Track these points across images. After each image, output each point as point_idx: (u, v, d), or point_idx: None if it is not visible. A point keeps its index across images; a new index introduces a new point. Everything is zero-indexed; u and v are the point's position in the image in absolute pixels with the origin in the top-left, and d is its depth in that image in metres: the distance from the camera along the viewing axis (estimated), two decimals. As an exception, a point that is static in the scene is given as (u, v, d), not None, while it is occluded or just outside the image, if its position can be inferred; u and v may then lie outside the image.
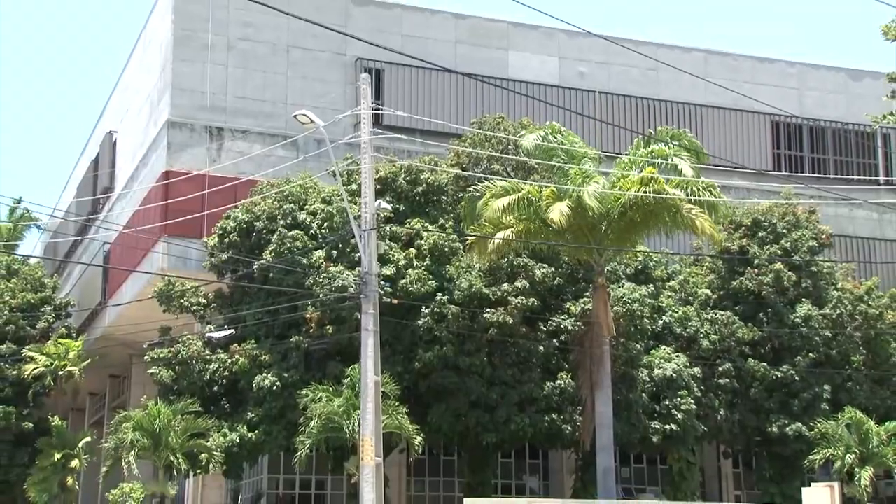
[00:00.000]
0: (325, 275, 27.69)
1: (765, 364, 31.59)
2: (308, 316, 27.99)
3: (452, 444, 31.69)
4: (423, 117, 31.17)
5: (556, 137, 26.35)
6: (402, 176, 29.93)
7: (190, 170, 32.28)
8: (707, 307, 32.45)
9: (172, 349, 29.20)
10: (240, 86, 34.13)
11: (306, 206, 29.67)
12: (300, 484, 33.39)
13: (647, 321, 30.48)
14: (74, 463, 34.52)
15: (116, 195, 39.12)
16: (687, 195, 25.33)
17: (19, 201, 45.16)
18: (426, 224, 29.45)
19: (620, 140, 34.10)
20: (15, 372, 35.22)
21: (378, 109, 28.78)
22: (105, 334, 38.04)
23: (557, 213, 24.71)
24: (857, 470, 29.89)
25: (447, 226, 29.58)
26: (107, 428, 35.77)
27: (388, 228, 28.47)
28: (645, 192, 24.69)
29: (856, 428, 30.34)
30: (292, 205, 29.63)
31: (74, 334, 38.18)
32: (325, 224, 29.09)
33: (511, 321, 28.16)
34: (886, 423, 30.88)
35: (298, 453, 26.72)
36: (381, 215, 25.29)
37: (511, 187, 26.43)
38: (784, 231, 33.01)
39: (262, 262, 28.41)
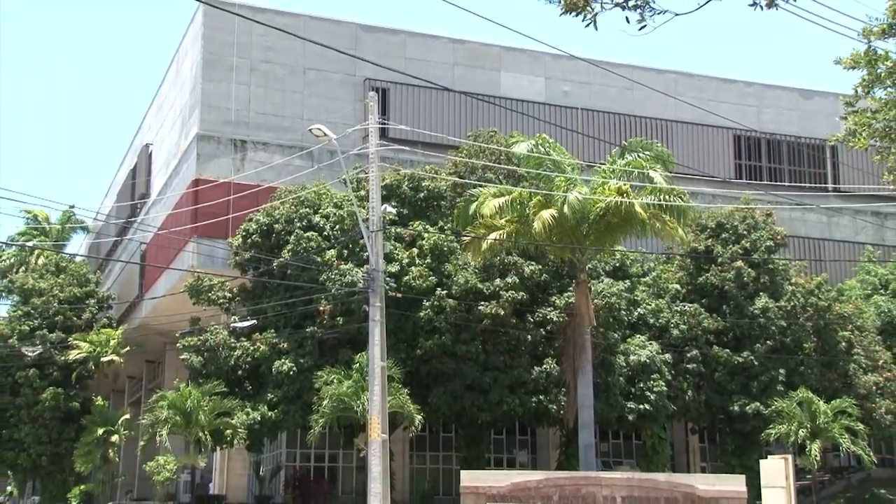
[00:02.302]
0: (336, 272, 27.45)
1: (727, 350, 31.39)
2: (321, 308, 27.77)
3: (450, 422, 31.44)
4: (425, 131, 30.93)
5: (544, 148, 26.09)
6: (406, 183, 29.69)
7: (217, 178, 32.05)
8: (677, 300, 32.27)
9: (201, 337, 29.00)
10: (261, 103, 33.88)
11: (320, 211, 29.45)
12: (315, 457, 33.13)
13: (624, 313, 30.25)
14: (115, 438, 34.44)
15: (152, 201, 38.86)
16: (659, 201, 25.09)
17: (72, 207, 45.33)
18: (427, 226, 29.21)
19: (599, 151, 33.86)
20: (63, 357, 35.15)
21: (384, 124, 28.55)
22: (142, 324, 37.81)
23: (539, 223, 24.52)
24: (807, 443, 29.70)
25: (446, 228, 29.34)
26: (143, 407, 35.54)
27: (393, 230, 28.23)
28: (618, 202, 24.44)
29: (807, 406, 30.14)
30: (308, 209, 29.40)
31: (115, 324, 38.09)
32: (337, 226, 28.87)
33: (503, 313, 27.92)
34: (833, 402, 30.66)
35: (313, 430, 26.49)
36: (387, 218, 25.07)
37: (504, 191, 26.25)
38: (744, 232, 32.82)
39: (280, 260, 28.20)
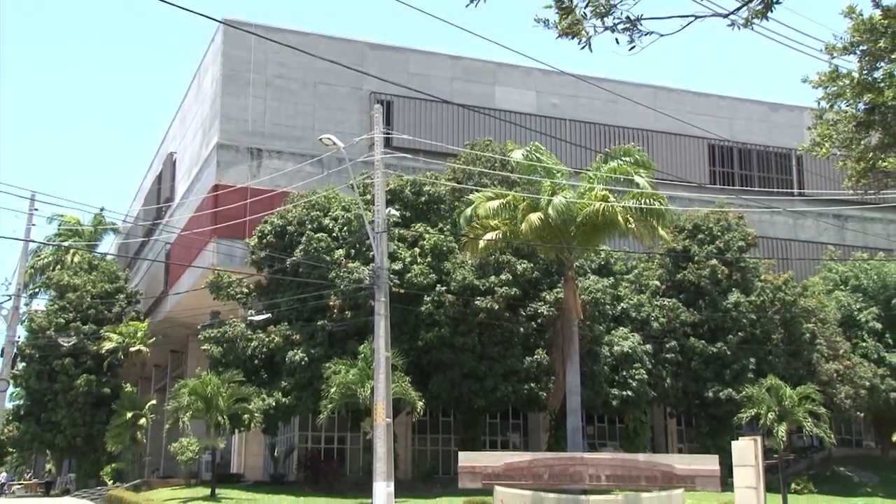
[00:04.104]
0: (344, 269, 27.32)
1: (703, 341, 31.31)
2: (331, 303, 27.63)
3: (449, 407, 31.31)
4: (425, 140, 30.79)
5: (537, 155, 25.95)
6: (408, 188, 29.56)
7: (235, 183, 31.92)
8: (657, 295, 32.15)
9: (221, 330, 28.88)
10: (275, 115, 33.74)
11: (329, 213, 29.30)
12: (325, 439, 33.02)
13: (608, 307, 30.16)
14: (142, 421, 34.40)
15: (176, 204, 38.74)
16: (640, 205, 24.91)
17: (102, 210, 45.25)
18: (428, 228, 29.07)
19: (585, 158, 33.68)
20: (95, 347, 35.11)
21: (388, 134, 28.36)
22: (166, 317, 37.68)
23: (527, 224, 24.41)
24: (775, 426, 29.51)
25: (445, 229, 29.22)
26: (168, 393, 35.43)
27: (396, 231, 28.07)
28: (601, 207, 24.29)
29: (774, 392, 29.93)
30: (318, 212, 29.25)
31: (142, 317, 38.02)
32: (345, 228, 28.73)
33: (497, 307, 27.79)
34: (798, 388, 30.46)
35: (322, 415, 26.35)
36: (391, 221, 24.92)
37: (498, 195, 26.10)
38: (718, 234, 32.70)
39: (293, 258, 28.06)
